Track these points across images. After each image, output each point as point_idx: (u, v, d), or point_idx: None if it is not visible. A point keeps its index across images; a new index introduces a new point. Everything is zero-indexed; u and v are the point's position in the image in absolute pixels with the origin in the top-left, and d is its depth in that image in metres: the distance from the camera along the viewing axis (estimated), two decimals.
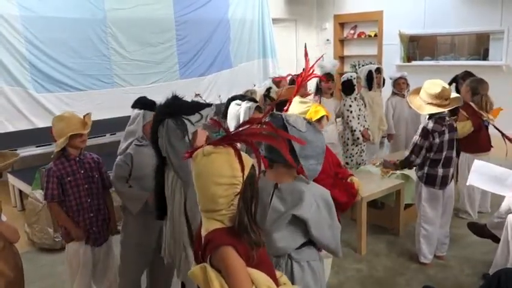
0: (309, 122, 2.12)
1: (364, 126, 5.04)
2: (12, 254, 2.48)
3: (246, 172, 1.55)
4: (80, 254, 3.03)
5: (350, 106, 4.96)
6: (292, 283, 2.03)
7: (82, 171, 2.98)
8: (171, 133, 2.31)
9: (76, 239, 3.03)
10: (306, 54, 3.14)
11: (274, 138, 1.59)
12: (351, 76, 5.02)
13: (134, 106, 3.01)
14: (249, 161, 1.57)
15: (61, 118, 2.94)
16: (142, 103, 2.99)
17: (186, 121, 2.35)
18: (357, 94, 5.03)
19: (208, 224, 1.56)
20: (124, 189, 2.98)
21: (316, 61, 3.40)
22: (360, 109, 5.03)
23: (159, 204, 2.56)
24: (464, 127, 4.47)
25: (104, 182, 3.10)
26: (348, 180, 3.05)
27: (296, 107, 2.88)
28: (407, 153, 3.71)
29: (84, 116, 2.99)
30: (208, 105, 2.54)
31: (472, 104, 4.49)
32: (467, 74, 5.20)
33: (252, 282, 1.53)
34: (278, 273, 1.77)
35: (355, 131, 4.94)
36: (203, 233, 1.58)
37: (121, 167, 2.96)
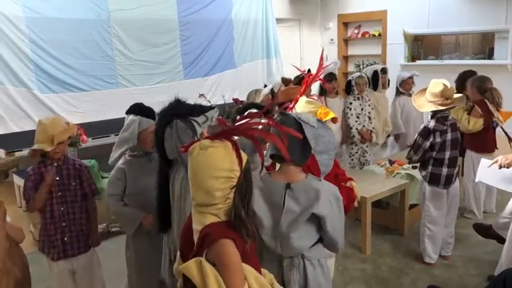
0: (319, 120, 2.15)
1: (364, 126, 5.05)
2: (19, 253, 2.49)
3: (243, 166, 1.56)
4: (49, 265, 2.93)
5: (350, 104, 5.06)
6: (306, 282, 2.06)
7: (57, 178, 2.80)
8: (182, 133, 2.31)
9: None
10: (321, 59, 3.16)
11: (268, 133, 1.60)
12: (352, 77, 5.10)
13: (129, 112, 2.80)
14: (244, 155, 1.58)
15: (39, 124, 2.79)
16: (138, 109, 2.79)
17: (193, 122, 2.36)
18: (358, 94, 5.04)
19: (203, 218, 1.56)
20: (117, 209, 2.77)
21: (326, 66, 3.43)
22: (362, 109, 5.04)
23: (163, 215, 2.47)
24: (476, 123, 4.46)
25: (84, 190, 2.89)
26: (348, 184, 3.04)
27: (302, 107, 2.88)
28: (411, 153, 3.72)
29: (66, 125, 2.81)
30: (212, 107, 2.53)
31: (486, 101, 4.47)
32: (470, 72, 5.18)
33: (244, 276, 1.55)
34: (263, 271, 1.76)
35: (351, 128, 4.99)
36: (197, 228, 1.57)
37: (113, 183, 2.76)
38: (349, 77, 5.14)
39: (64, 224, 2.84)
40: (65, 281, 2.91)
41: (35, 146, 2.73)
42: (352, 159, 5.14)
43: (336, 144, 2.15)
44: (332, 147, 2.11)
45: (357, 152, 5.12)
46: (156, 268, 2.81)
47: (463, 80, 5.03)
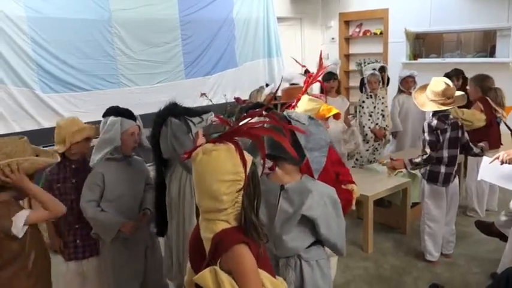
0: (311, 117, 2.13)
1: (377, 124, 5.05)
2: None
3: (247, 168, 1.52)
4: (62, 267, 2.91)
5: (363, 102, 5.05)
6: (302, 282, 2.05)
7: (74, 180, 2.79)
8: (176, 128, 2.32)
9: (48, 247, 2.87)
10: (320, 59, 3.20)
11: (273, 131, 1.58)
12: (365, 74, 5.09)
13: (107, 115, 2.72)
14: (249, 157, 1.55)
15: (56, 126, 2.78)
16: (117, 111, 2.72)
17: (188, 121, 2.37)
18: (370, 92, 5.03)
19: (214, 225, 1.52)
20: (95, 215, 2.64)
21: (326, 67, 3.46)
22: (375, 107, 5.04)
23: (161, 219, 2.48)
24: (477, 115, 4.44)
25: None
26: (349, 187, 3.04)
27: (305, 104, 2.88)
28: (427, 150, 3.59)
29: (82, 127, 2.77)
30: (206, 111, 2.53)
31: (488, 99, 4.46)
32: (456, 70, 5.22)
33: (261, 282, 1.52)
34: (279, 279, 1.71)
35: (364, 126, 4.99)
36: (208, 236, 1.53)
37: (91, 189, 2.66)
38: (365, 74, 5.12)
39: (77, 226, 2.82)
40: (72, 282, 2.89)
41: (54, 147, 2.73)
42: (361, 156, 5.13)
43: (328, 141, 2.12)
44: (324, 143, 2.07)
45: (367, 150, 5.12)
46: (133, 274, 2.81)
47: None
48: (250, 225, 1.51)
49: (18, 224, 2.08)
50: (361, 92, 5.14)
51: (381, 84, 5.12)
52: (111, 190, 2.68)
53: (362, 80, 5.12)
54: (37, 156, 2.27)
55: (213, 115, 2.56)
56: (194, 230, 1.68)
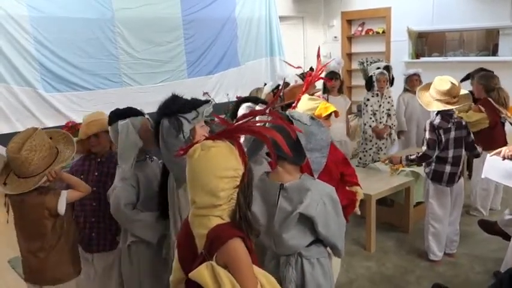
0: (313, 117, 2.13)
1: (381, 123, 5.04)
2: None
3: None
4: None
5: (368, 100, 5.03)
6: (303, 280, 2.05)
7: (96, 174, 2.81)
8: (166, 131, 2.27)
9: None
10: (318, 55, 3.18)
11: (269, 129, 1.58)
12: (374, 73, 5.07)
13: (114, 120, 2.58)
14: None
15: (84, 118, 2.88)
16: (120, 114, 2.60)
17: (182, 119, 2.31)
18: (377, 90, 5.02)
19: (208, 221, 1.53)
20: (137, 217, 2.52)
21: (326, 64, 3.44)
22: (380, 105, 5.02)
23: (163, 202, 2.44)
24: (474, 116, 4.42)
25: None
26: (353, 189, 3.03)
27: (305, 104, 2.89)
28: (424, 148, 3.65)
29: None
30: (206, 101, 2.45)
31: (490, 100, 4.45)
32: (481, 71, 5.18)
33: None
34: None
35: (365, 124, 4.98)
36: (202, 232, 1.53)
37: (127, 191, 2.53)
38: (371, 73, 5.11)
39: (93, 219, 2.83)
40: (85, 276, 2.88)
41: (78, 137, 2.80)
42: (365, 155, 5.12)
43: (329, 142, 2.12)
44: (325, 144, 2.07)
45: (370, 149, 5.10)
46: (163, 273, 2.71)
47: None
48: (245, 221, 1.53)
49: (62, 202, 2.44)
50: (368, 90, 5.09)
51: (388, 83, 5.11)
52: (145, 191, 2.60)
53: (370, 78, 5.05)
54: (51, 138, 2.51)
55: (211, 105, 2.48)
56: (182, 228, 1.67)
